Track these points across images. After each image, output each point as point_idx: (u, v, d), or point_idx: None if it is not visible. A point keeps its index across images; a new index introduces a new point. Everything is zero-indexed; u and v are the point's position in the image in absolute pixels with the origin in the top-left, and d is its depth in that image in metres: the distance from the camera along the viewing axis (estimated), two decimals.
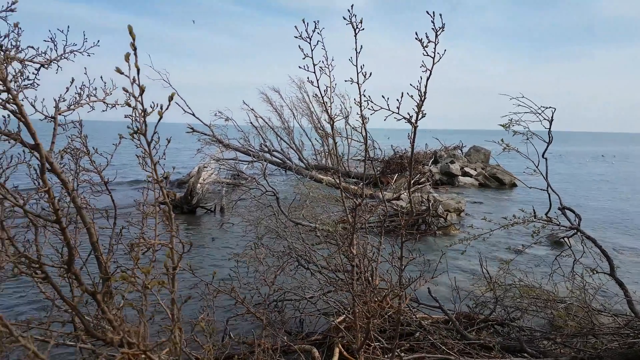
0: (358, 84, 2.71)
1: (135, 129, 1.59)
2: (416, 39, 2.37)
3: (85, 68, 3.28)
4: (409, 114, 2.50)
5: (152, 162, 1.69)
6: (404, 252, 2.88)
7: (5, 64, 2.00)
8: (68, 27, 3.21)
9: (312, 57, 2.78)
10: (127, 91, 1.49)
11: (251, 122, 18.45)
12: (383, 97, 2.46)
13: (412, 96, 2.48)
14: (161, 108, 1.54)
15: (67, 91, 3.12)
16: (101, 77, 3.26)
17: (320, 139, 20.40)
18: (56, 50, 3.28)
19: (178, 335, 1.75)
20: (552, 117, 5.03)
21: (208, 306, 2.86)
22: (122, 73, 1.43)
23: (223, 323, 4.80)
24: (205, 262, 8.42)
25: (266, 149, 18.12)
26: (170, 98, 1.55)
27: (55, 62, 3.31)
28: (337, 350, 4.69)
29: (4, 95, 2.03)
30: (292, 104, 21.05)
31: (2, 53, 2.11)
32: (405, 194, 12.75)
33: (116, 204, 2.79)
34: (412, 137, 2.55)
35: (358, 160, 20.08)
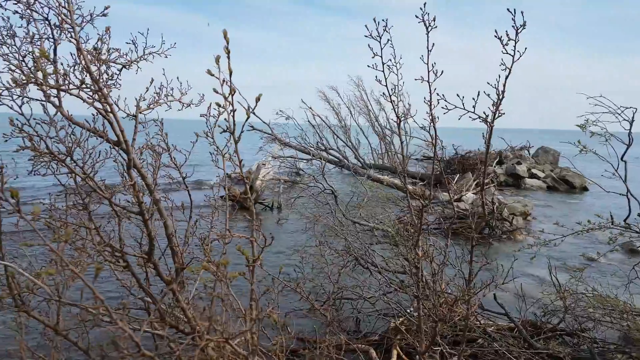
0: (429, 82, 2.65)
1: (225, 127, 1.65)
2: (495, 36, 2.29)
3: (163, 69, 3.46)
4: (484, 113, 2.42)
5: (239, 159, 1.75)
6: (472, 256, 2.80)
7: (98, 66, 2.15)
8: (148, 29, 3.40)
9: (381, 56, 2.76)
10: (217, 92, 1.55)
11: (309, 121, 18.64)
12: (458, 95, 2.40)
13: (488, 94, 2.40)
14: (249, 108, 1.59)
15: (147, 91, 3.31)
16: (177, 78, 3.43)
17: (378, 137, 20.25)
18: (136, 52, 3.48)
19: (255, 325, 1.81)
20: (632, 117, 4.69)
21: (273, 300, 2.93)
22: (212, 75, 1.50)
23: (282, 317, 4.90)
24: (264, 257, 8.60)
25: (323, 147, 18.24)
26: (258, 99, 1.60)
27: (135, 63, 3.51)
28: (395, 352, 4.64)
29: (93, 95, 2.19)
30: (350, 102, 21.04)
31: (97, 55, 2.27)
32: (467, 195, 12.38)
33: (192, 199, 2.92)
34: (487, 137, 2.47)
35: (419, 160, 19.72)
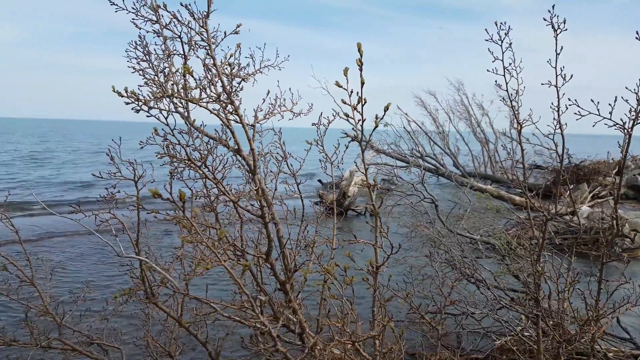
0: (557, 87, 2.48)
1: (353, 135, 1.70)
2: (637, 38, 2.08)
3: (278, 81, 3.64)
4: (621, 120, 2.20)
5: (364, 166, 1.78)
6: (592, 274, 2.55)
7: (231, 80, 2.32)
8: (264, 44, 3.60)
9: (502, 60, 2.64)
10: (345, 102, 1.60)
11: (404, 127, 18.36)
12: (592, 101, 2.21)
13: (627, 100, 2.18)
14: (376, 117, 1.62)
15: (263, 102, 3.51)
16: (289, 89, 3.59)
17: (480, 144, 19.32)
18: (254, 65, 3.71)
19: (380, 329, 1.82)
20: None
21: (383, 308, 2.92)
22: (340, 86, 1.55)
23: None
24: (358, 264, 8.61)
25: (418, 155, 17.85)
26: (386, 108, 1.62)
27: (252, 76, 3.74)
28: None
29: (225, 107, 2.36)
30: (449, 107, 20.35)
31: (230, 70, 2.45)
32: (582, 208, 11.32)
33: (303, 206, 3.02)
34: (624, 146, 2.24)
35: (529, 168, 18.45)
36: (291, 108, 3.61)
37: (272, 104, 3.59)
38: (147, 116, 2.30)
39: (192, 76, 2.29)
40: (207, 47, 2.30)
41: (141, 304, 4.78)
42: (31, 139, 62.64)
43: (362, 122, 1.65)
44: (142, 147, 3.09)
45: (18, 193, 15.94)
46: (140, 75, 3.10)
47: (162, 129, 2.37)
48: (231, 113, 2.29)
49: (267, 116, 3.55)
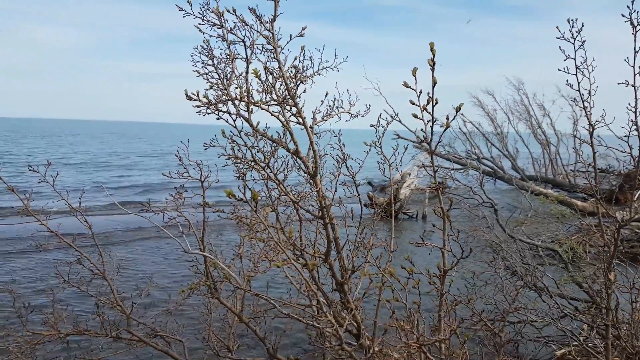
0: (634, 86, 2.34)
1: (422, 137, 1.69)
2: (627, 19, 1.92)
3: (336, 82, 3.66)
4: None
5: (434, 169, 1.77)
6: None
7: (297, 83, 2.38)
8: (324, 45, 3.64)
9: (574, 59, 2.53)
10: (413, 103, 1.60)
11: (459, 128, 17.87)
12: None
13: None
14: (447, 118, 1.60)
15: (321, 104, 3.54)
16: (347, 90, 3.60)
17: (541, 146, 18.46)
18: (312, 68, 3.76)
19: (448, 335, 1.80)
20: None
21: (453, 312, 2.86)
22: (409, 87, 1.54)
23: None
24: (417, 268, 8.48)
25: (475, 156, 17.33)
26: (458, 109, 1.60)
27: (310, 78, 3.79)
28: None
29: (289, 109, 2.42)
30: (508, 107, 19.58)
31: (295, 72, 2.51)
32: None
33: (362, 206, 3.03)
34: None
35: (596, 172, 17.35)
36: (349, 110, 3.63)
37: (329, 106, 3.63)
38: (217, 118, 2.39)
39: (260, 80, 2.36)
40: (273, 51, 2.37)
41: (202, 298, 4.96)
42: (95, 140, 66.66)
43: (433, 123, 1.64)
44: (205, 149, 3.22)
45: (90, 194, 16.99)
46: (204, 79, 3.23)
47: (230, 132, 2.46)
48: (294, 115, 2.34)
49: (325, 118, 3.58)
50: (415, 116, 1.66)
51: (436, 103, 1.59)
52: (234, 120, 2.46)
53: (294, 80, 2.45)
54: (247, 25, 2.37)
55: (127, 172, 28.32)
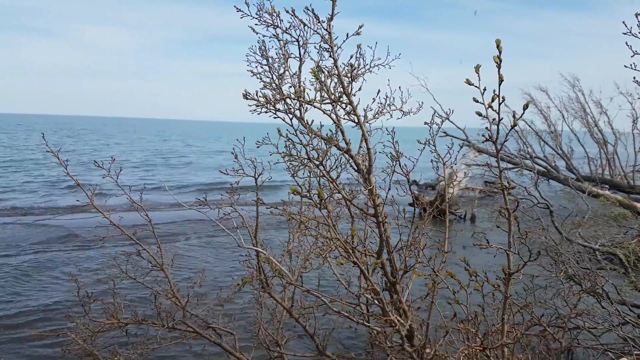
0: None
1: (487, 135, 1.66)
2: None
3: (388, 80, 3.64)
4: None
5: (499, 168, 1.73)
6: None
7: (352, 80, 2.39)
8: (376, 43, 3.62)
9: None
10: (477, 101, 1.57)
11: (511, 126, 17.21)
12: None
13: None
14: (514, 116, 1.56)
15: (373, 101, 3.53)
16: (399, 87, 3.57)
17: (598, 145, 17.52)
18: (364, 65, 3.75)
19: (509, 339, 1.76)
20: None
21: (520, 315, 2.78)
22: (471, 84, 1.52)
23: None
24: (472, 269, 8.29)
25: (527, 155, 16.68)
26: (525, 107, 1.56)
27: (362, 75, 3.78)
28: None
29: (344, 108, 2.43)
30: (562, 104, 18.71)
31: (351, 70, 2.52)
32: None
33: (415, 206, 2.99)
34: None
35: None
36: (400, 107, 3.60)
37: (381, 103, 3.61)
38: (274, 117, 2.44)
39: (318, 78, 2.39)
40: (329, 50, 2.39)
41: (252, 293, 5.05)
42: (156, 137, 69.54)
43: (499, 121, 1.60)
44: (258, 147, 3.29)
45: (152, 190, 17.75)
46: (257, 78, 3.29)
47: (287, 130, 2.51)
48: (349, 113, 2.35)
49: (377, 115, 3.57)
50: (479, 114, 1.63)
51: (503, 100, 1.55)
52: (291, 119, 2.50)
53: (349, 78, 2.46)
54: (304, 25, 2.40)
55: (184, 170, 29.27)
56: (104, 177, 3.49)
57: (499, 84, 1.52)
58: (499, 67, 1.48)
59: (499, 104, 1.58)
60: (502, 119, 1.61)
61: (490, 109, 1.60)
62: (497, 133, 1.67)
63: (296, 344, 5.49)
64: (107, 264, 8.59)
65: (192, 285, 4.94)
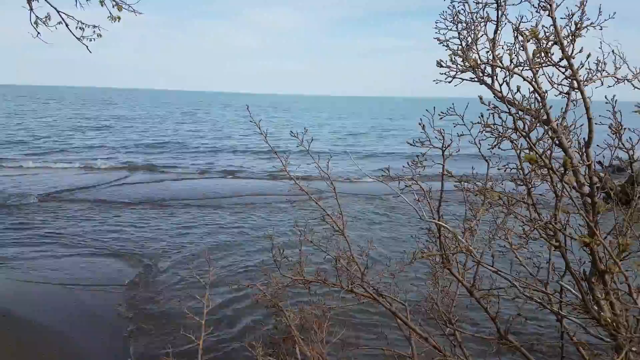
0: None
1: None
2: None
3: (600, 42, 3.14)
4: None
5: None
6: None
7: (573, 41, 2.12)
8: (586, 0, 3.14)
9: None
10: None
11: None
12: None
13: None
14: None
15: (581, 66, 3.09)
16: (612, 51, 3.05)
17: None
18: (569, 27, 3.29)
19: None
20: None
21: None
22: None
23: None
24: None
25: None
26: None
27: (566, 38, 3.33)
28: None
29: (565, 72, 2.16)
30: None
31: (575, 29, 2.25)
32: None
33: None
34: None
35: None
36: (614, 73, 3.09)
37: (590, 70, 3.15)
38: (478, 81, 2.31)
39: (539, 40, 2.17)
40: (549, 7, 2.14)
41: (427, 267, 5.02)
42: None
43: None
44: (441, 118, 3.17)
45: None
46: (444, 46, 3.16)
47: (489, 101, 2.36)
48: (568, 78, 2.09)
49: (586, 83, 3.13)
50: None
51: None
52: (500, 86, 2.34)
53: (571, 38, 2.18)
54: None
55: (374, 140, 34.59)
56: (297, 147, 3.79)
57: None
58: None
59: None
60: None
61: None
62: None
63: (466, 327, 5.33)
64: (293, 231, 9.51)
65: (361, 253, 5.12)
